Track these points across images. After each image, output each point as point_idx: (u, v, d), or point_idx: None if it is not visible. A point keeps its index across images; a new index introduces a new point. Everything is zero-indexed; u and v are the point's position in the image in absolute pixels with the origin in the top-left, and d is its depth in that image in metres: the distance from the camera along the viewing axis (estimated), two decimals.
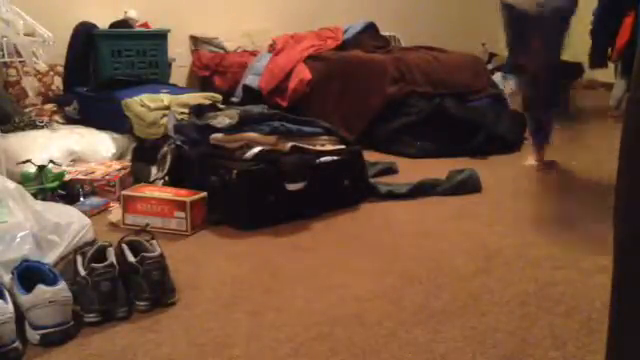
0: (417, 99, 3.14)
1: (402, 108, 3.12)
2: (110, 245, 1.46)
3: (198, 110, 2.29)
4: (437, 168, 2.47)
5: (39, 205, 1.67)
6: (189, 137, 2.15)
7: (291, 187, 1.94)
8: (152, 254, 1.40)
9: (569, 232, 1.88)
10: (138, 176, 2.26)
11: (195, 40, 4.11)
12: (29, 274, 1.31)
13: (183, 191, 1.93)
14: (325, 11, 4.55)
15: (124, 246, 1.45)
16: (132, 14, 3.58)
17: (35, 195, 1.87)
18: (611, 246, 0.77)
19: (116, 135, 2.67)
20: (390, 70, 3.25)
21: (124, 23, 3.52)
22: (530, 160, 2.73)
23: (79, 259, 1.41)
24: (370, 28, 3.94)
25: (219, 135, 2.07)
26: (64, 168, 2.26)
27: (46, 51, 2.73)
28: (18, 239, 1.47)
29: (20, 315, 1.23)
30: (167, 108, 2.58)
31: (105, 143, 2.61)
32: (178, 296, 1.43)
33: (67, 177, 2.18)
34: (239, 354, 1.20)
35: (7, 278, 1.34)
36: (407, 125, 3.04)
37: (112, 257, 1.39)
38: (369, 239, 1.86)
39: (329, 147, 2.14)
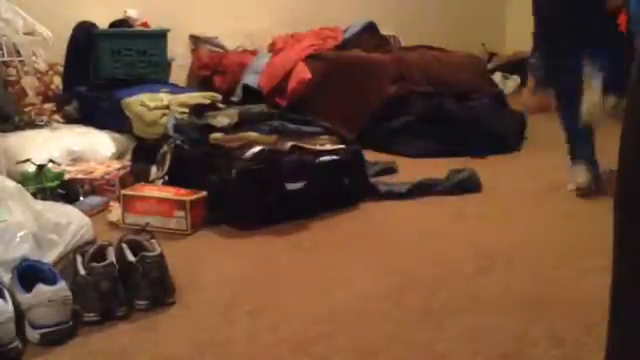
0: (417, 99, 3.14)
1: (402, 108, 3.11)
2: (110, 244, 1.46)
3: (198, 109, 2.29)
4: (437, 168, 2.47)
5: (39, 204, 1.67)
6: (189, 136, 2.15)
7: (291, 187, 1.94)
8: (152, 253, 1.40)
9: (569, 232, 1.88)
10: (138, 175, 2.26)
11: (195, 39, 4.11)
12: (29, 274, 1.31)
13: (183, 190, 1.93)
14: (325, 11, 4.55)
15: (124, 245, 1.45)
16: (132, 13, 3.58)
17: (35, 194, 1.87)
18: (611, 246, 0.77)
19: (116, 134, 2.67)
20: (390, 70, 3.25)
21: (124, 22, 3.52)
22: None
23: (79, 258, 1.41)
24: (370, 28, 3.95)
25: (219, 135, 2.07)
26: (64, 167, 2.26)
27: (46, 50, 2.73)
28: (18, 238, 1.47)
29: (20, 314, 1.23)
30: (167, 107, 2.58)
31: (105, 142, 2.61)
32: (178, 296, 1.43)
33: (67, 176, 2.17)
34: (239, 353, 1.20)
35: (7, 278, 1.34)
36: (407, 125, 3.04)
37: (112, 256, 1.38)
38: (369, 239, 1.86)
39: (329, 147, 2.14)
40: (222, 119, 2.10)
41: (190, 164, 2.07)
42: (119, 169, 2.30)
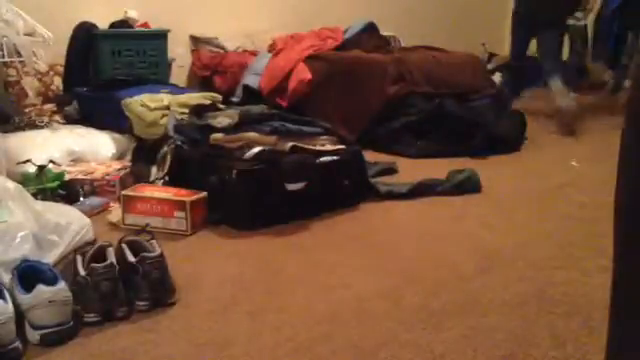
0: (417, 99, 3.14)
1: (402, 108, 3.11)
2: (110, 245, 1.46)
3: (198, 110, 2.29)
4: (437, 168, 2.47)
5: (39, 205, 1.67)
6: (189, 137, 2.15)
7: (291, 187, 1.94)
8: (152, 254, 1.40)
9: (569, 232, 1.88)
10: (138, 176, 2.26)
11: (195, 40, 4.11)
12: (29, 274, 1.31)
13: (183, 191, 1.93)
14: (325, 11, 4.55)
15: (124, 246, 1.45)
16: (132, 14, 3.58)
17: (35, 195, 1.87)
18: (611, 246, 0.77)
19: (116, 135, 2.67)
20: (390, 70, 3.24)
21: (124, 23, 3.53)
22: None
23: (79, 259, 1.41)
24: (370, 28, 3.94)
25: (219, 135, 2.07)
26: (64, 168, 2.26)
27: (46, 51, 2.73)
28: (18, 239, 1.47)
29: (20, 315, 1.23)
30: (167, 108, 2.58)
31: (105, 143, 2.61)
32: (178, 296, 1.43)
33: (67, 177, 2.17)
34: (239, 354, 1.20)
35: (7, 278, 1.34)
36: (407, 125, 3.04)
37: (112, 257, 1.38)
38: (369, 239, 1.86)
39: (329, 147, 2.14)
40: (222, 120, 2.10)
41: (190, 165, 2.07)
42: (119, 170, 2.30)
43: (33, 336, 1.23)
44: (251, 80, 3.58)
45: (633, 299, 0.75)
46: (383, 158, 2.78)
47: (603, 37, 4.30)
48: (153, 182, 2.14)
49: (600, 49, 4.39)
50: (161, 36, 3.51)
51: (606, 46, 4.27)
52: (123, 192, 1.96)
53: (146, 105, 2.60)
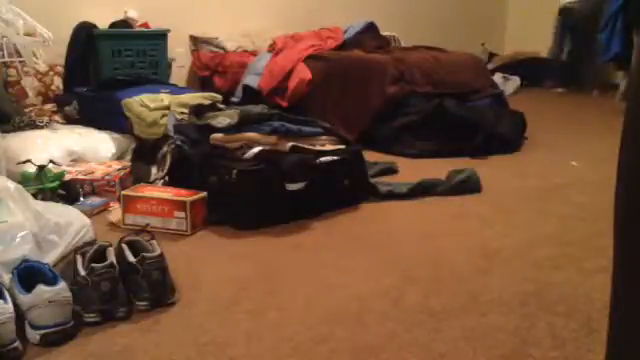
0: (417, 99, 3.14)
1: (402, 108, 3.11)
2: (110, 245, 1.46)
3: (198, 110, 2.29)
4: (437, 168, 2.47)
5: (39, 205, 1.67)
6: (189, 137, 2.15)
7: (291, 187, 1.94)
8: (152, 254, 1.40)
9: (569, 232, 1.88)
10: (138, 176, 2.26)
11: (195, 40, 4.11)
12: (29, 274, 1.31)
13: (183, 191, 1.93)
14: (325, 11, 4.56)
15: (124, 246, 1.45)
16: (132, 14, 3.59)
17: (35, 195, 1.87)
18: (611, 246, 0.77)
19: (116, 135, 2.67)
20: (390, 70, 3.24)
21: (124, 23, 3.53)
22: None
23: (79, 259, 1.41)
24: (370, 28, 3.95)
25: (219, 135, 2.07)
26: (64, 168, 2.26)
27: (46, 51, 2.73)
28: (18, 239, 1.47)
29: (20, 315, 1.23)
30: (167, 108, 2.58)
31: (105, 143, 2.61)
32: (178, 296, 1.43)
33: (67, 177, 2.17)
34: (239, 354, 1.21)
35: (7, 278, 1.34)
36: (407, 125, 3.04)
37: (112, 257, 1.39)
38: (369, 239, 1.86)
39: (329, 147, 2.14)
40: (222, 119, 2.10)
41: (190, 165, 2.07)
42: (119, 170, 2.30)
43: (33, 336, 1.23)
44: (251, 80, 3.58)
45: (633, 299, 0.75)
46: (383, 158, 2.78)
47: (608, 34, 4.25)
48: (153, 182, 2.14)
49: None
50: (161, 36, 3.51)
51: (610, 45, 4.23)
52: (123, 192, 1.96)
53: (146, 105, 2.61)
